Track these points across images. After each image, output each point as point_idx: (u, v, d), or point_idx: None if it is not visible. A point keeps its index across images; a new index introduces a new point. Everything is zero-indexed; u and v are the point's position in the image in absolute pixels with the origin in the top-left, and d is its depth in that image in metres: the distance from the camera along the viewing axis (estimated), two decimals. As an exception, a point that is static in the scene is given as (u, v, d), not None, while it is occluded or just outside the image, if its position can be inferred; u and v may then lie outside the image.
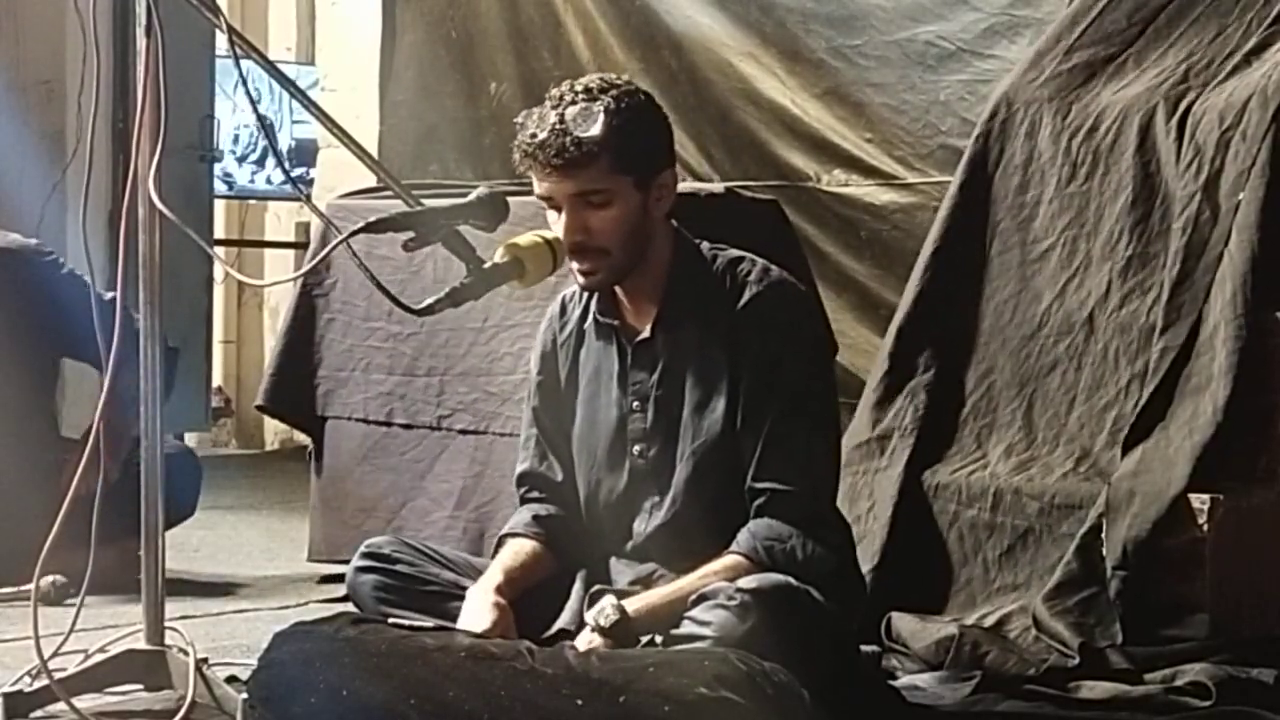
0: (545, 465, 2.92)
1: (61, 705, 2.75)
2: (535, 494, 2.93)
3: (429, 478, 4.17)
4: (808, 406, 2.73)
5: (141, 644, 2.88)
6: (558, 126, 2.65)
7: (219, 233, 8.17)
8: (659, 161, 2.76)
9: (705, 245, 2.84)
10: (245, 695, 2.61)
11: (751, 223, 4.00)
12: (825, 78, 5.32)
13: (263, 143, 8.15)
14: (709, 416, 2.74)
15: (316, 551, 4.44)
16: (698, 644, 2.48)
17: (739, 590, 2.52)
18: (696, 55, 5.63)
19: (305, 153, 8.28)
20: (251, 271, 8.20)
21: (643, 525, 2.80)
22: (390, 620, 2.62)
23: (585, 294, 2.86)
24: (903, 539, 3.61)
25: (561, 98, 2.69)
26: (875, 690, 2.90)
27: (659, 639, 2.55)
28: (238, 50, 2.73)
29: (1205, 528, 3.27)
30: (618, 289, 2.81)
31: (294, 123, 8.27)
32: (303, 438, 5.01)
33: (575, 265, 2.73)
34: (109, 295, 2.72)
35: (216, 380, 7.98)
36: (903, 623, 3.41)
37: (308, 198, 4.03)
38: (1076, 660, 3.16)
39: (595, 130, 2.65)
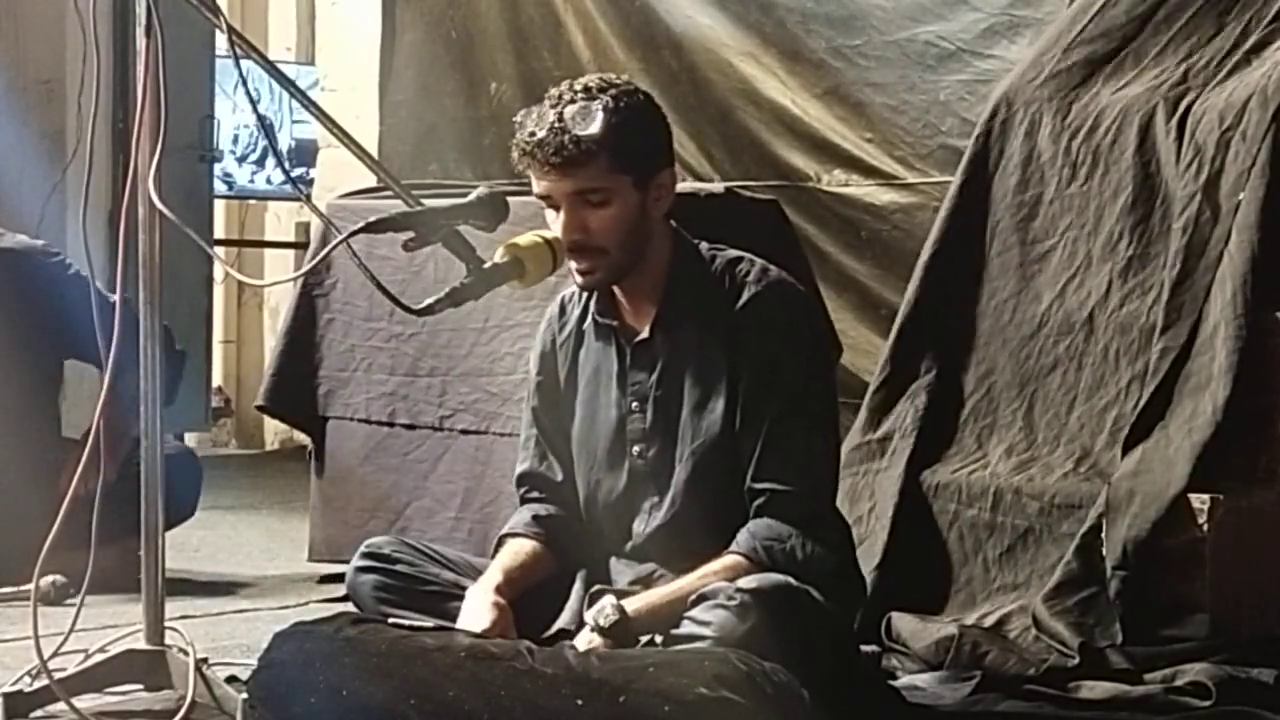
0: (545, 465, 2.92)
1: (61, 705, 2.75)
2: (535, 494, 2.93)
3: (432, 478, 4.17)
4: (807, 406, 2.73)
5: (141, 644, 2.88)
6: (556, 125, 2.65)
7: (219, 233, 8.17)
8: (658, 161, 2.76)
9: (704, 245, 2.83)
10: (245, 695, 2.61)
11: (751, 223, 4.00)
12: (825, 78, 5.32)
13: (263, 143, 8.15)
14: (708, 417, 2.74)
15: (317, 552, 4.44)
16: (698, 644, 2.48)
17: (739, 590, 2.52)
18: (697, 55, 5.63)
19: (305, 153, 8.28)
20: (251, 271, 8.20)
21: (642, 525, 2.80)
22: (390, 620, 2.62)
23: (584, 294, 2.86)
24: (903, 539, 3.61)
25: (560, 96, 2.69)
26: (875, 690, 2.90)
27: (659, 639, 2.55)
28: (238, 50, 2.73)
29: (1205, 528, 3.26)
30: (616, 289, 2.81)
31: (294, 123, 8.28)
32: (303, 438, 5.01)
33: (573, 264, 2.73)
34: (116, 297, 2.71)
35: (216, 380, 7.98)
36: (903, 623, 3.40)
37: (308, 198, 4.02)
38: (1076, 660, 3.16)
39: (594, 129, 2.65)
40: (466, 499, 4.08)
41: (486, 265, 2.61)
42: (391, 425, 4.26)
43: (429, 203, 2.72)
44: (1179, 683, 3.06)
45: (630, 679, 2.36)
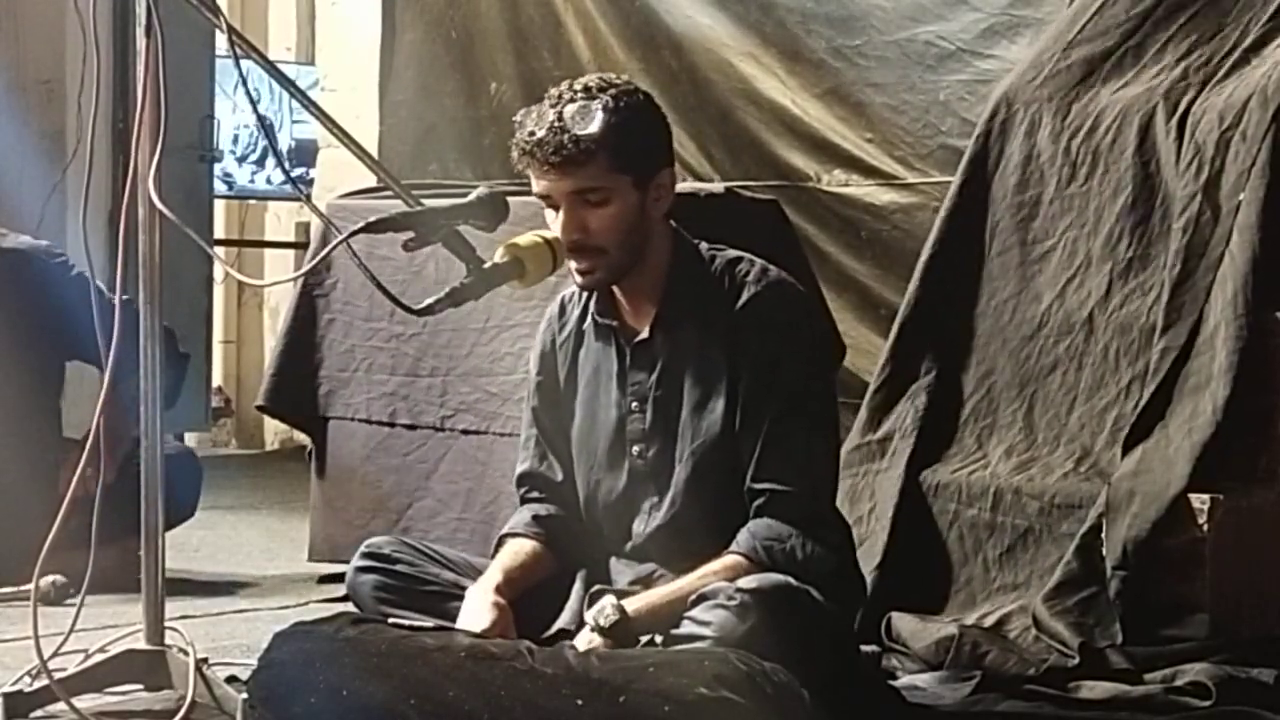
0: (545, 465, 2.92)
1: (61, 705, 2.75)
2: (535, 494, 2.93)
3: (434, 478, 4.17)
4: (807, 406, 2.73)
5: (141, 644, 2.88)
6: (556, 124, 2.65)
7: (219, 233, 8.17)
8: (657, 161, 2.76)
9: (704, 245, 2.83)
10: (245, 695, 2.61)
11: (751, 223, 4.00)
12: (825, 78, 5.32)
13: (263, 143, 8.15)
14: (708, 417, 2.74)
15: (318, 552, 4.44)
16: (698, 644, 2.48)
17: (739, 590, 2.52)
18: (697, 55, 5.63)
19: (305, 153, 8.28)
20: (251, 271, 8.19)
21: (642, 525, 2.80)
22: (390, 620, 2.62)
23: (584, 294, 2.86)
24: (903, 539, 3.61)
25: (560, 96, 2.69)
26: (875, 690, 2.90)
27: (659, 639, 2.55)
28: (238, 50, 2.73)
29: (1205, 528, 3.26)
30: (616, 289, 2.81)
31: (294, 123, 8.28)
32: (303, 438, 5.01)
33: (573, 264, 2.73)
34: (121, 299, 2.71)
35: (216, 380, 7.98)
36: (903, 623, 3.40)
37: (308, 198, 4.02)
38: (1076, 660, 3.16)
39: (593, 128, 2.65)
40: (469, 499, 4.08)
41: (486, 265, 2.61)
42: (393, 425, 4.26)
43: (429, 203, 2.72)
44: (1179, 683, 3.06)
45: (630, 679, 2.36)
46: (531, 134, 2.68)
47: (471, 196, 2.66)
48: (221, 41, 3.75)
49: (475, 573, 2.82)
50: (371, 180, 4.58)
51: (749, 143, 5.49)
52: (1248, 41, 3.70)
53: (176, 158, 5.22)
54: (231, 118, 7.99)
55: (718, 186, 4.43)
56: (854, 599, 2.88)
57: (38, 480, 4.09)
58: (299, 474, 5.29)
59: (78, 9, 5.34)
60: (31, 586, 2.73)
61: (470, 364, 4.09)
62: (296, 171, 8.13)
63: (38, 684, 2.80)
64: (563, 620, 2.73)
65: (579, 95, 2.68)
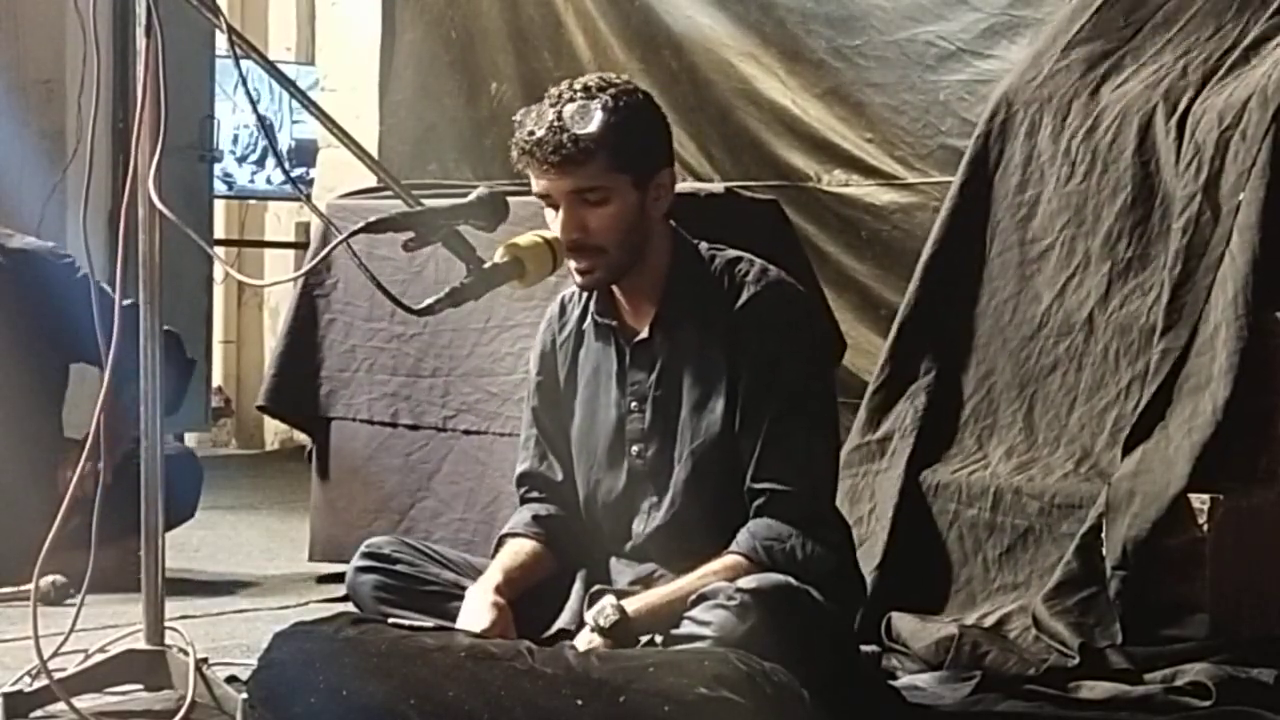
0: (545, 465, 2.92)
1: (61, 705, 2.75)
2: (535, 494, 2.93)
3: (436, 479, 4.17)
4: (806, 406, 2.73)
5: (141, 644, 2.88)
6: (555, 124, 2.65)
7: (219, 233, 8.17)
8: (657, 160, 2.76)
9: (704, 245, 2.83)
10: (245, 695, 2.61)
11: (751, 223, 4.00)
12: (825, 78, 5.32)
13: (263, 143, 8.15)
14: (707, 417, 2.74)
15: (320, 552, 4.44)
16: (698, 644, 2.48)
17: (739, 590, 2.52)
18: (697, 55, 5.63)
19: (305, 153, 8.28)
20: (251, 271, 8.20)
21: (642, 525, 2.80)
22: (390, 620, 2.63)
23: (584, 294, 2.86)
24: (903, 539, 3.61)
25: (560, 95, 2.69)
26: (875, 690, 2.90)
27: (659, 639, 2.55)
28: (238, 50, 2.73)
29: (1205, 528, 3.26)
30: (616, 289, 2.81)
31: (294, 123, 8.28)
32: (303, 438, 5.01)
33: (572, 264, 2.73)
34: (126, 302, 2.71)
35: (216, 380, 7.98)
36: (903, 623, 3.40)
37: (308, 198, 4.02)
38: (1076, 660, 3.16)
39: (593, 128, 2.65)
40: (471, 500, 4.08)
41: (486, 265, 2.61)
42: (394, 426, 4.26)
43: (429, 203, 2.72)
44: (1179, 683, 3.06)
45: (630, 679, 2.36)
46: (531, 133, 2.68)
47: (471, 196, 2.66)
48: (221, 41, 3.75)
49: (475, 573, 2.82)
50: (371, 180, 4.58)
51: (749, 143, 5.49)
52: (1247, 41, 3.69)
53: (176, 158, 5.23)
54: (231, 118, 7.99)
55: (718, 186, 4.43)
56: (854, 599, 2.88)
57: (38, 480, 4.09)
58: (299, 474, 5.29)
59: (78, 9, 5.34)
60: (31, 586, 2.73)
61: (471, 364, 4.09)
62: (296, 171, 8.14)
63: (38, 684, 2.80)
64: (563, 620, 2.73)
65: (579, 95, 2.68)
